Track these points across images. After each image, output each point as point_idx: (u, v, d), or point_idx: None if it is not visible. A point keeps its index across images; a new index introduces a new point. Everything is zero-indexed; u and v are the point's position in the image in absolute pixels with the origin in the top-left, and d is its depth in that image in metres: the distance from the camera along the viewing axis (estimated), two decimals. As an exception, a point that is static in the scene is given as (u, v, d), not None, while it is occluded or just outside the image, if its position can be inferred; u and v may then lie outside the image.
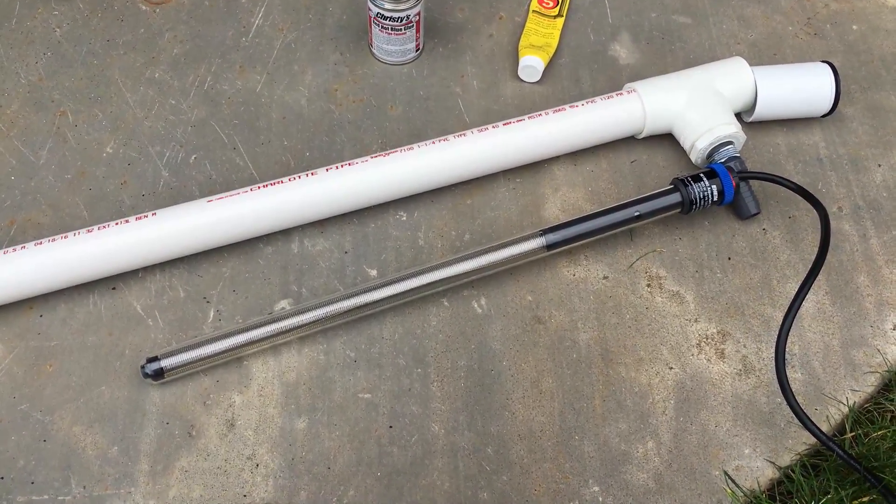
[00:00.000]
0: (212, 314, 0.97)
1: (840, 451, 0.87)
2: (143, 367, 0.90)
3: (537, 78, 1.16)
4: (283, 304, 0.98)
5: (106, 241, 0.95)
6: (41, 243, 0.94)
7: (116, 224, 0.95)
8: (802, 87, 1.10)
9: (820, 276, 1.01)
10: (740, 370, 0.95)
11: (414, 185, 1.03)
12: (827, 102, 1.09)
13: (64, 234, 0.95)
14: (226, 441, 0.89)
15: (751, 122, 1.12)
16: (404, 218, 1.05)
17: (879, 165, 1.11)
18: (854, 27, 1.24)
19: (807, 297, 0.97)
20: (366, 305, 0.94)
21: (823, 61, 1.11)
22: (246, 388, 0.92)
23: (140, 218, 0.96)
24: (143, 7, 1.22)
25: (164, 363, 0.90)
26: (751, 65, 1.09)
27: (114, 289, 0.98)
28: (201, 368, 0.92)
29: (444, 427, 0.91)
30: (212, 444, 0.89)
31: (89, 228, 0.95)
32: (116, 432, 0.89)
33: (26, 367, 0.92)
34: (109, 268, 0.96)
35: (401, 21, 1.11)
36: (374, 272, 1.01)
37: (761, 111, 1.09)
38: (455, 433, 0.91)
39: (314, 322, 0.93)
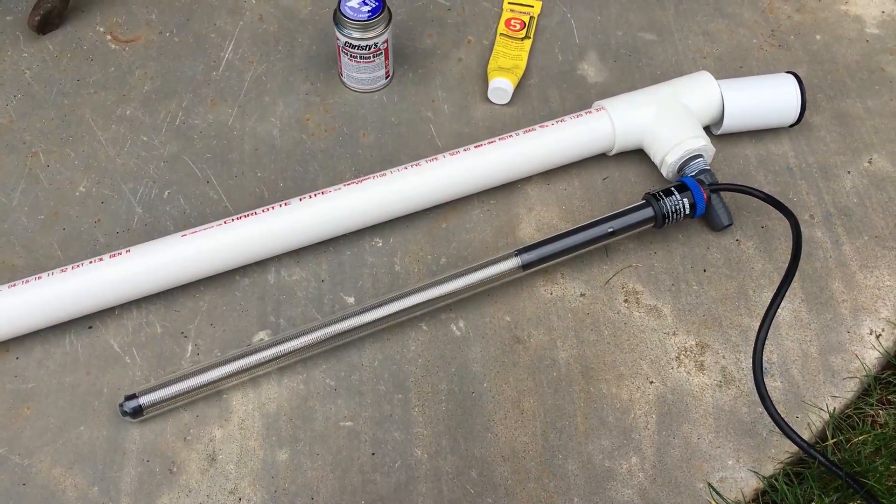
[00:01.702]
0: (190, 348, 0.96)
1: (822, 458, 0.88)
2: (121, 406, 0.89)
3: (507, 100, 1.17)
4: (262, 336, 0.98)
5: (81, 281, 0.94)
6: (15, 285, 0.93)
7: (91, 263, 0.95)
8: (768, 98, 1.11)
9: (795, 284, 1.01)
10: (720, 381, 0.95)
11: (388, 211, 1.04)
12: (793, 112, 1.11)
13: (38, 275, 0.94)
14: (207, 476, 0.88)
15: (720, 135, 1.13)
16: (380, 244, 1.05)
17: (849, 172, 1.12)
18: (817, 37, 1.26)
19: (783, 305, 0.98)
20: (344, 333, 0.94)
21: (788, 72, 1.12)
22: (226, 422, 0.92)
23: (114, 255, 0.96)
24: (113, 45, 1.22)
25: (143, 400, 0.89)
26: (717, 78, 1.11)
27: (90, 327, 0.97)
28: (181, 404, 0.92)
29: (426, 451, 0.91)
30: (193, 479, 0.88)
31: (63, 268, 0.95)
32: (96, 472, 0.88)
33: (4, 411, 0.92)
34: (85, 307, 0.95)
35: (369, 49, 1.12)
36: (351, 299, 1.01)
37: (729, 123, 1.10)
38: (438, 457, 0.90)
39: (293, 352, 0.93)
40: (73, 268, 0.95)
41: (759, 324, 0.93)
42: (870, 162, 1.13)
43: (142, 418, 0.90)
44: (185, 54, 1.22)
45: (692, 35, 1.26)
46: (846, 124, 1.16)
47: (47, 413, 0.92)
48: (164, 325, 0.98)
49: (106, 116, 1.15)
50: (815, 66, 1.23)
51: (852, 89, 1.20)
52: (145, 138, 1.13)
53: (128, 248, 0.97)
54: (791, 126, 1.13)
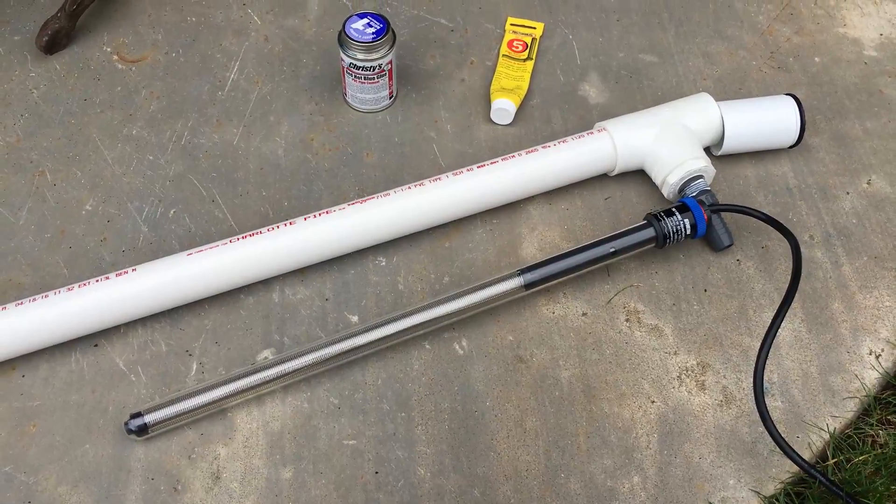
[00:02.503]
0: (195, 367, 0.97)
1: (823, 479, 0.88)
2: (126, 424, 0.90)
3: (509, 120, 1.18)
4: (266, 354, 0.98)
5: (87, 299, 0.95)
6: (22, 303, 0.94)
7: (97, 281, 0.96)
8: (768, 119, 1.12)
9: (795, 304, 1.02)
10: (721, 401, 0.96)
11: (392, 231, 1.05)
12: (793, 134, 1.12)
13: (45, 294, 0.95)
14: (212, 494, 0.89)
15: (720, 156, 1.14)
16: (383, 263, 1.06)
17: (847, 193, 1.13)
18: (816, 59, 1.28)
19: (783, 325, 0.99)
20: (348, 352, 0.95)
21: (788, 94, 1.13)
22: (231, 440, 0.92)
23: (120, 274, 0.97)
24: (120, 65, 1.24)
25: (148, 418, 0.90)
26: (717, 100, 1.12)
27: (96, 345, 0.98)
28: (185, 422, 0.92)
29: (429, 470, 0.91)
30: (198, 498, 0.88)
31: (70, 287, 0.96)
32: (101, 490, 0.89)
33: (9, 429, 0.92)
34: (91, 325, 0.96)
35: (373, 70, 1.13)
36: (355, 318, 1.01)
37: (729, 144, 1.11)
38: (441, 476, 0.91)
39: (297, 370, 0.94)
40: (79, 286, 0.96)
41: (759, 344, 0.93)
42: (868, 183, 1.14)
43: (147, 436, 0.90)
44: (191, 74, 1.23)
45: (692, 57, 1.27)
46: (845, 146, 1.18)
47: (53, 431, 0.92)
48: (170, 344, 0.99)
49: (112, 136, 1.16)
50: (814, 87, 1.24)
51: (851, 111, 1.21)
52: (151, 157, 1.14)
53: (134, 267, 0.98)
54: (791, 147, 1.15)
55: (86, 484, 0.89)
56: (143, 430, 0.90)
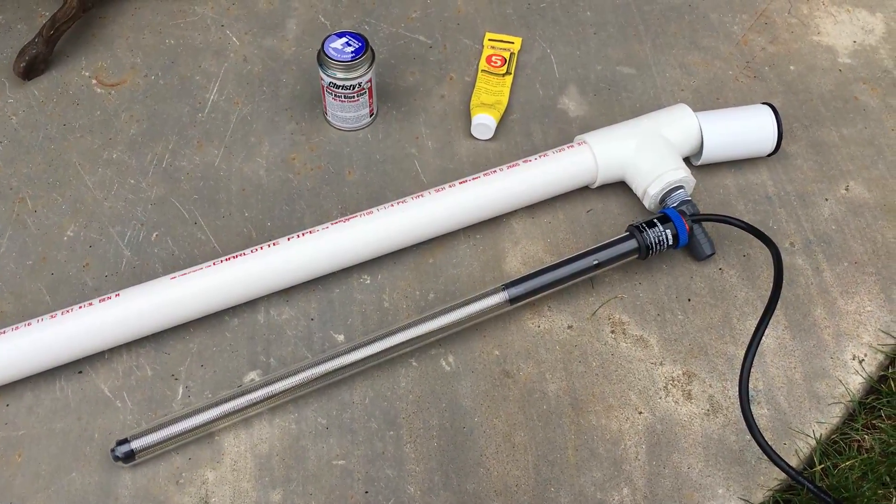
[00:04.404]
0: (181, 391, 0.97)
1: (810, 485, 0.89)
2: (113, 451, 0.89)
3: (490, 135, 1.19)
4: (252, 376, 0.98)
5: (70, 326, 0.94)
6: (5, 332, 0.94)
7: (80, 308, 0.96)
8: (746, 129, 1.13)
9: (778, 312, 1.03)
10: (708, 410, 0.97)
11: (376, 249, 1.05)
12: (770, 142, 1.13)
13: (27, 322, 0.95)
14: (201, 520, 0.88)
15: (699, 166, 1.15)
16: (368, 281, 1.06)
17: (826, 199, 1.14)
18: (791, 68, 1.29)
19: (767, 333, 0.99)
20: (335, 371, 0.95)
21: (764, 103, 1.15)
22: (219, 464, 0.92)
23: (104, 300, 0.96)
24: (98, 90, 1.23)
25: (135, 445, 0.89)
26: (695, 110, 1.13)
27: (80, 372, 0.98)
28: (173, 447, 0.92)
29: (419, 488, 0.91)
30: (186, 523, 0.88)
31: (53, 314, 0.95)
32: (89, 519, 0.88)
33: (-6, 459, 0.92)
34: (75, 352, 0.96)
35: (353, 88, 1.14)
36: (341, 337, 1.01)
37: (708, 154, 1.12)
38: (431, 494, 0.91)
39: (284, 391, 0.94)
40: (62, 313, 0.95)
41: (744, 352, 0.94)
42: (847, 189, 1.15)
43: (134, 463, 0.90)
44: (171, 96, 1.23)
45: (669, 68, 1.28)
46: (822, 153, 1.19)
47: (39, 460, 0.91)
48: (155, 368, 0.98)
49: (93, 160, 1.16)
50: (790, 96, 1.25)
51: (827, 118, 1.23)
52: (132, 181, 1.14)
53: (117, 292, 0.97)
54: (769, 155, 1.16)
55: (73, 513, 0.88)
56: (129, 456, 0.89)
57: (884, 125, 1.22)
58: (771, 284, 0.97)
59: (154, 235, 1.09)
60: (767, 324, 0.93)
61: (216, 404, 0.92)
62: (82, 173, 1.14)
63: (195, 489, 0.90)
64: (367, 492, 0.91)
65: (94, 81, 1.24)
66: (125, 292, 0.97)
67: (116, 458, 0.89)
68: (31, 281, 1.04)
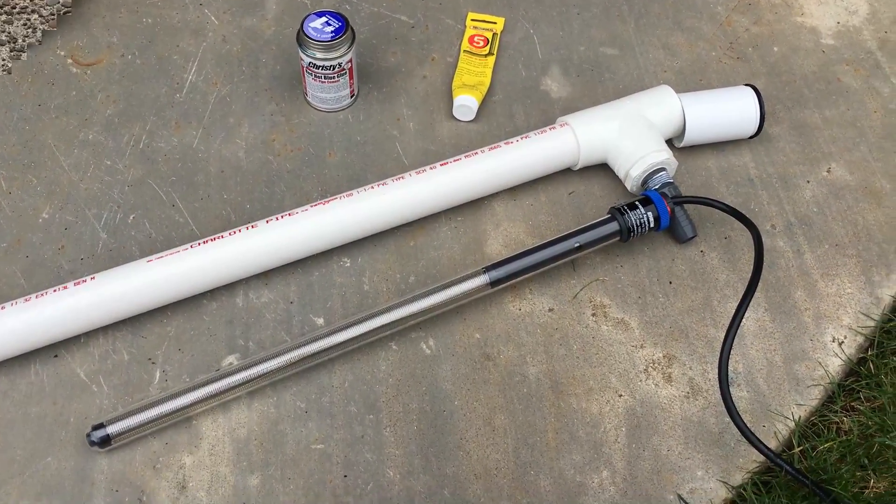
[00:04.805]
0: (158, 375, 0.96)
1: (788, 468, 0.89)
2: (88, 435, 0.88)
3: (472, 116, 1.18)
4: (231, 360, 0.97)
5: (45, 310, 0.93)
6: (-22, 316, 0.92)
7: (55, 291, 0.94)
8: (728, 110, 1.13)
9: (758, 294, 1.03)
10: (688, 392, 0.97)
11: (356, 231, 1.04)
12: (753, 124, 1.13)
13: (2, 305, 0.93)
14: (178, 504, 0.88)
15: (682, 148, 1.15)
16: (348, 264, 1.05)
17: (808, 182, 1.14)
18: (775, 49, 1.28)
19: (747, 315, 0.99)
20: (314, 355, 0.94)
21: (747, 84, 1.14)
22: (196, 448, 0.91)
23: (79, 283, 0.95)
24: (74, 69, 1.21)
25: (111, 429, 0.88)
26: (678, 91, 1.12)
27: (56, 356, 0.96)
28: (149, 431, 0.91)
29: (399, 472, 0.91)
30: (164, 508, 0.87)
31: (27, 297, 0.94)
32: (65, 504, 0.87)
33: (-32, 444, 0.90)
34: (50, 336, 0.94)
35: (333, 69, 1.12)
36: (320, 321, 1.01)
37: (690, 136, 1.12)
38: (411, 477, 0.90)
39: (263, 375, 0.93)
40: (37, 296, 0.94)
41: (724, 334, 0.94)
42: (828, 171, 1.15)
43: (110, 447, 0.89)
44: (148, 77, 1.21)
45: (652, 49, 1.27)
46: (805, 134, 1.18)
47: (13, 445, 0.90)
48: (131, 352, 0.97)
49: (69, 141, 1.14)
50: (774, 77, 1.25)
51: (810, 100, 1.22)
52: (109, 162, 1.12)
53: (93, 275, 0.96)
54: (751, 137, 1.15)
55: (48, 498, 0.87)
56: (105, 441, 0.88)
57: (866, 107, 1.22)
58: (752, 267, 0.96)
59: (131, 218, 1.07)
60: (747, 306, 0.93)
61: (194, 388, 0.91)
62: (58, 154, 1.13)
63: (172, 474, 0.89)
64: (345, 476, 0.90)
65: (69, 61, 1.22)
66: (101, 275, 0.96)
67: (92, 443, 0.88)
68: (5, 264, 1.03)
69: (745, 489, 0.90)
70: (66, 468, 0.89)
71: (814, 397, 0.97)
